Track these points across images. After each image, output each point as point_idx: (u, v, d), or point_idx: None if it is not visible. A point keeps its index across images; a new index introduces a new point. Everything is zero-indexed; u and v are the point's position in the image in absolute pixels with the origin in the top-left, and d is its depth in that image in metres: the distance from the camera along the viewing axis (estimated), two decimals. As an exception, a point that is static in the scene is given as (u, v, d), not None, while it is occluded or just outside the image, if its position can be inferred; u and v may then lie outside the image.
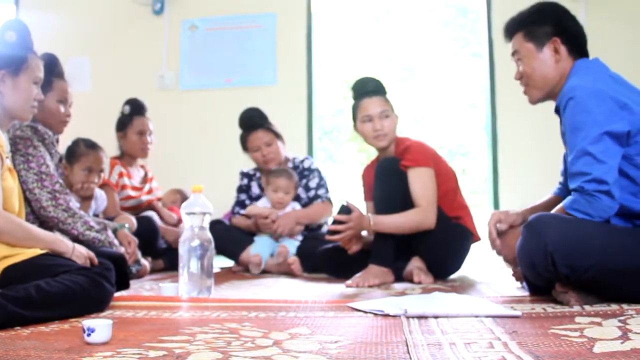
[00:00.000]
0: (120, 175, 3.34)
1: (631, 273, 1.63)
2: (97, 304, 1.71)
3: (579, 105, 1.75)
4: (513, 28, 2.03)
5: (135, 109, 3.46)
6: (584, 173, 1.71)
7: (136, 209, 3.38)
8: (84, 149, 2.95)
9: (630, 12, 4.65)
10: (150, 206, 3.47)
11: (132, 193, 3.39)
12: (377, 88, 2.77)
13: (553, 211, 1.83)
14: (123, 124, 3.44)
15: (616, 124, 1.71)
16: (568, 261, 1.63)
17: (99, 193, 3.06)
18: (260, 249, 3.15)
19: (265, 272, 3.12)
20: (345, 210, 2.55)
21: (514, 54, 2.02)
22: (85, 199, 2.95)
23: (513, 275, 2.13)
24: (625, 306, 1.62)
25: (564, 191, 2.12)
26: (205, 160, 4.97)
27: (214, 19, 5.14)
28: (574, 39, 1.95)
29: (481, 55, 5.30)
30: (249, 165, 3.51)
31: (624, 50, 4.33)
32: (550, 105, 2.07)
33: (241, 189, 3.46)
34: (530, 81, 1.98)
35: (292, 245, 3.17)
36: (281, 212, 3.22)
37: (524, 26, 1.99)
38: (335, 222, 2.52)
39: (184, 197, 3.63)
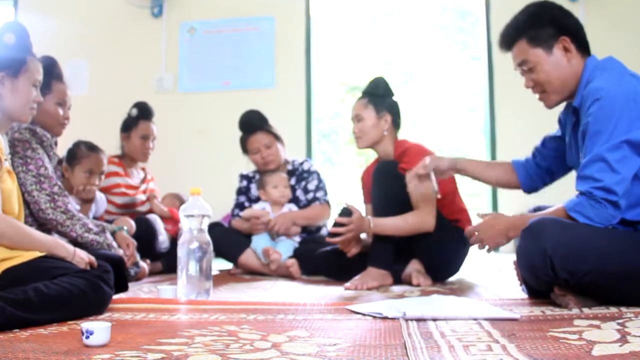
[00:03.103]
0: (107, 175, 3.29)
1: (630, 277, 1.63)
2: (95, 306, 1.71)
3: (604, 108, 1.71)
4: (512, 37, 1.94)
5: (143, 112, 3.47)
6: (596, 179, 1.69)
7: (130, 207, 3.37)
8: (85, 151, 2.95)
9: (629, 14, 4.66)
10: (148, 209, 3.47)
11: (128, 191, 3.38)
12: (368, 90, 2.82)
13: (550, 210, 1.82)
14: (128, 126, 3.45)
15: (638, 131, 1.68)
16: (567, 265, 1.63)
17: (99, 196, 3.06)
18: (257, 245, 3.15)
19: (263, 275, 3.12)
20: (346, 212, 2.55)
21: (521, 64, 1.93)
22: (86, 201, 2.95)
23: (517, 276, 2.12)
24: (624, 309, 1.62)
25: (522, 162, 2.19)
26: (203, 163, 4.98)
27: (213, 21, 5.15)
28: (578, 35, 1.90)
29: (480, 58, 5.31)
30: (247, 167, 3.52)
31: (623, 52, 4.33)
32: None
33: (240, 191, 3.46)
34: (549, 87, 1.90)
35: (289, 246, 3.17)
36: (278, 212, 3.23)
37: (524, 33, 1.90)
38: (336, 224, 2.52)
39: (182, 202, 3.63)
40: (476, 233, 1.96)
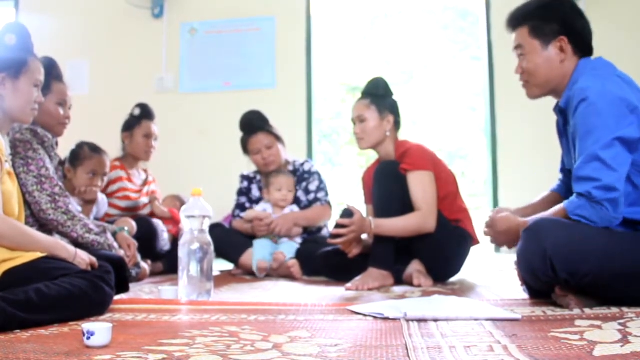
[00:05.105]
0: (112, 182, 3.32)
1: (631, 277, 1.63)
2: (96, 307, 1.71)
3: (590, 107, 1.72)
4: (517, 21, 1.95)
5: (145, 112, 3.51)
6: (594, 179, 1.68)
7: (133, 211, 3.38)
8: (88, 152, 2.95)
9: (629, 14, 4.65)
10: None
11: (132, 194, 3.39)
12: (368, 91, 2.81)
13: (551, 211, 1.81)
14: (131, 125, 3.48)
15: (627, 129, 1.68)
16: (567, 266, 1.62)
17: (101, 197, 3.06)
18: (259, 251, 3.15)
19: (265, 275, 3.12)
20: (348, 213, 2.55)
21: (517, 47, 1.95)
22: (88, 202, 2.95)
23: (518, 276, 2.11)
24: (625, 309, 1.62)
25: (563, 188, 2.09)
26: (204, 163, 4.98)
27: (213, 22, 5.15)
28: (581, 38, 1.90)
29: (480, 58, 5.31)
30: (248, 168, 3.52)
31: (623, 52, 4.33)
32: (550, 106, 2.05)
33: (241, 192, 3.46)
34: (532, 78, 1.93)
35: (291, 247, 3.17)
36: (279, 213, 3.23)
37: (529, 20, 1.91)
38: (337, 225, 2.52)
39: (182, 203, 3.63)
40: (488, 230, 1.97)
